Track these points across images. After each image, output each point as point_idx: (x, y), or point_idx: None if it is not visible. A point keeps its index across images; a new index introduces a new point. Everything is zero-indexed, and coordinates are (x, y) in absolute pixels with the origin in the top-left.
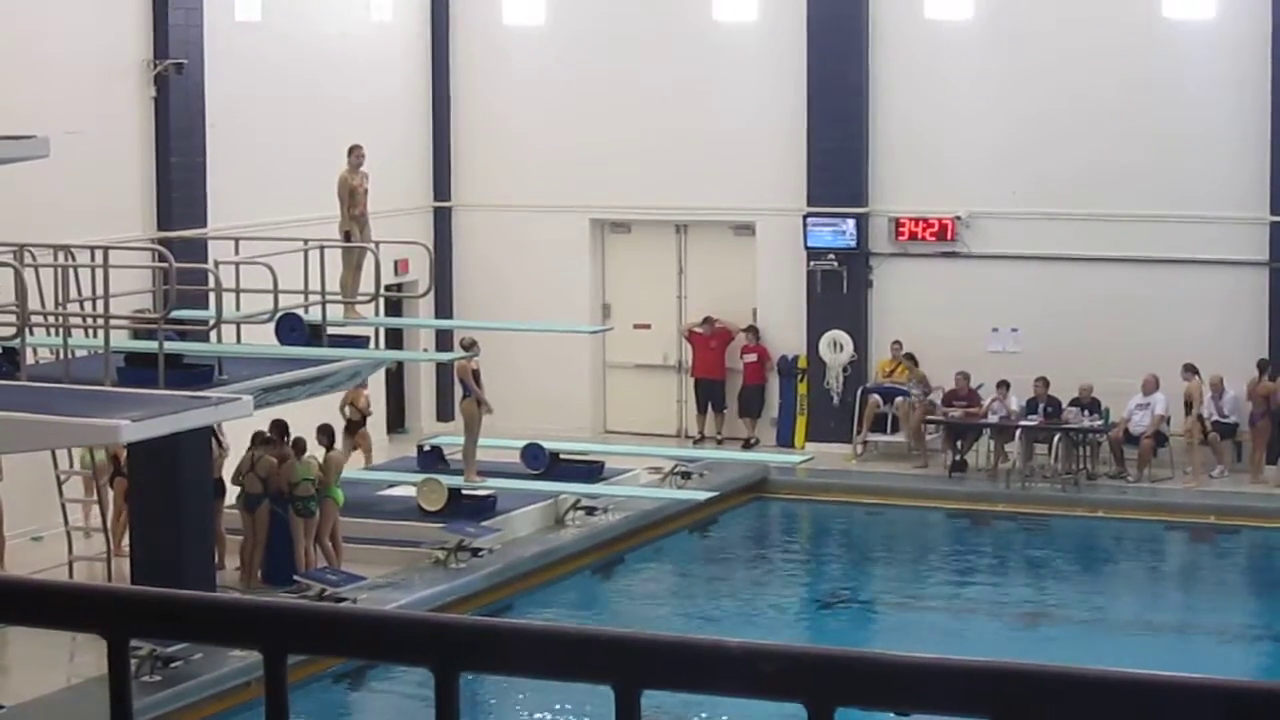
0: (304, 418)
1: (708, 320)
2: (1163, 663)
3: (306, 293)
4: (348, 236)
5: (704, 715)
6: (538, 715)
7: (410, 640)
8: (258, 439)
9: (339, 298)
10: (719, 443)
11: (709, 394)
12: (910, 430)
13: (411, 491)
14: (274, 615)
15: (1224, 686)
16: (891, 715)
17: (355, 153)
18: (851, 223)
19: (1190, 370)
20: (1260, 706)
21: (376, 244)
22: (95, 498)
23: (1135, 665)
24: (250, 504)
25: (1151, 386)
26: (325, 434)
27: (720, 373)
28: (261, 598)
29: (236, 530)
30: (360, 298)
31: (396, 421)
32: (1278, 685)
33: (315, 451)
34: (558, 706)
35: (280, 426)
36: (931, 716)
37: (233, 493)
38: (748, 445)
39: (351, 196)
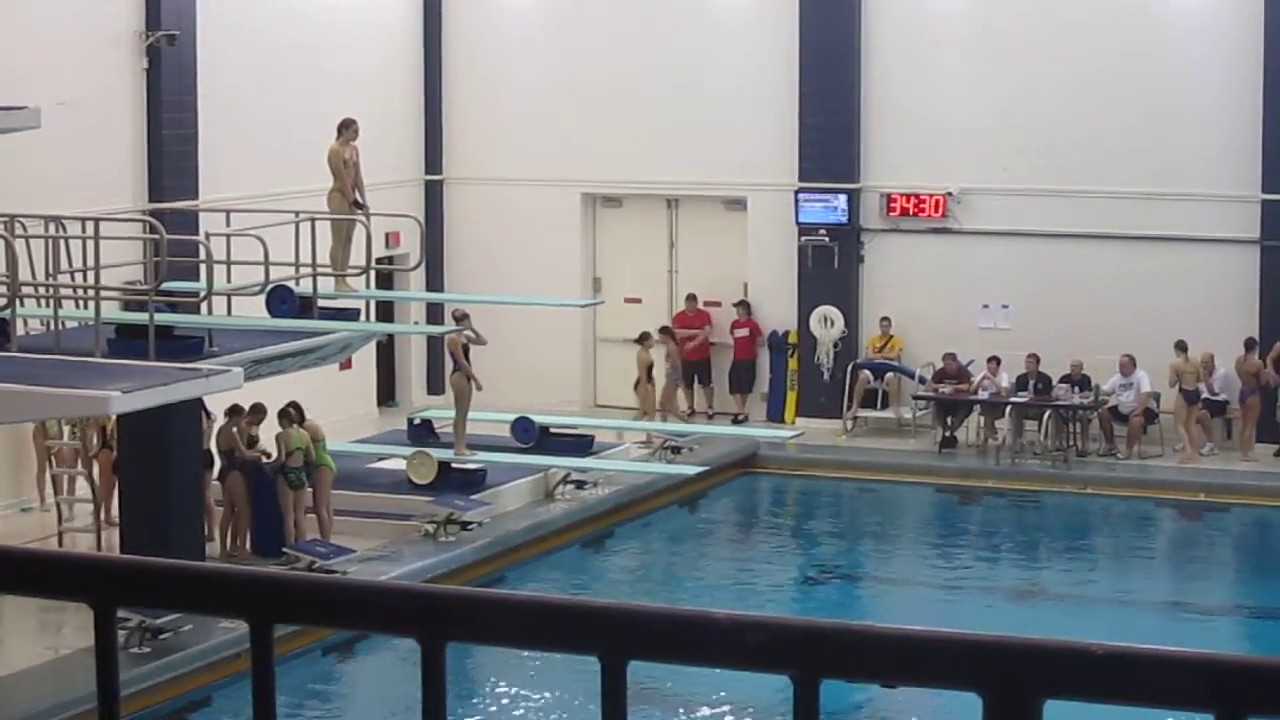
0: (297, 392)
1: (691, 297)
2: (1151, 638)
3: (297, 265)
4: (357, 206)
5: (692, 687)
6: (524, 689)
7: (396, 610)
8: (229, 412)
9: (330, 270)
10: (710, 417)
11: (694, 369)
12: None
13: (401, 465)
14: (260, 585)
15: (1211, 659)
16: (878, 687)
17: (351, 127)
18: (843, 198)
19: (1180, 348)
20: (1246, 680)
21: (368, 215)
22: (83, 469)
23: (1124, 640)
24: (220, 474)
25: (1129, 368)
26: (293, 408)
27: (703, 353)
28: (247, 567)
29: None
30: (350, 270)
31: (387, 394)
32: (1263, 659)
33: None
34: (549, 677)
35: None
36: (918, 689)
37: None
38: (738, 420)
39: (344, 167)
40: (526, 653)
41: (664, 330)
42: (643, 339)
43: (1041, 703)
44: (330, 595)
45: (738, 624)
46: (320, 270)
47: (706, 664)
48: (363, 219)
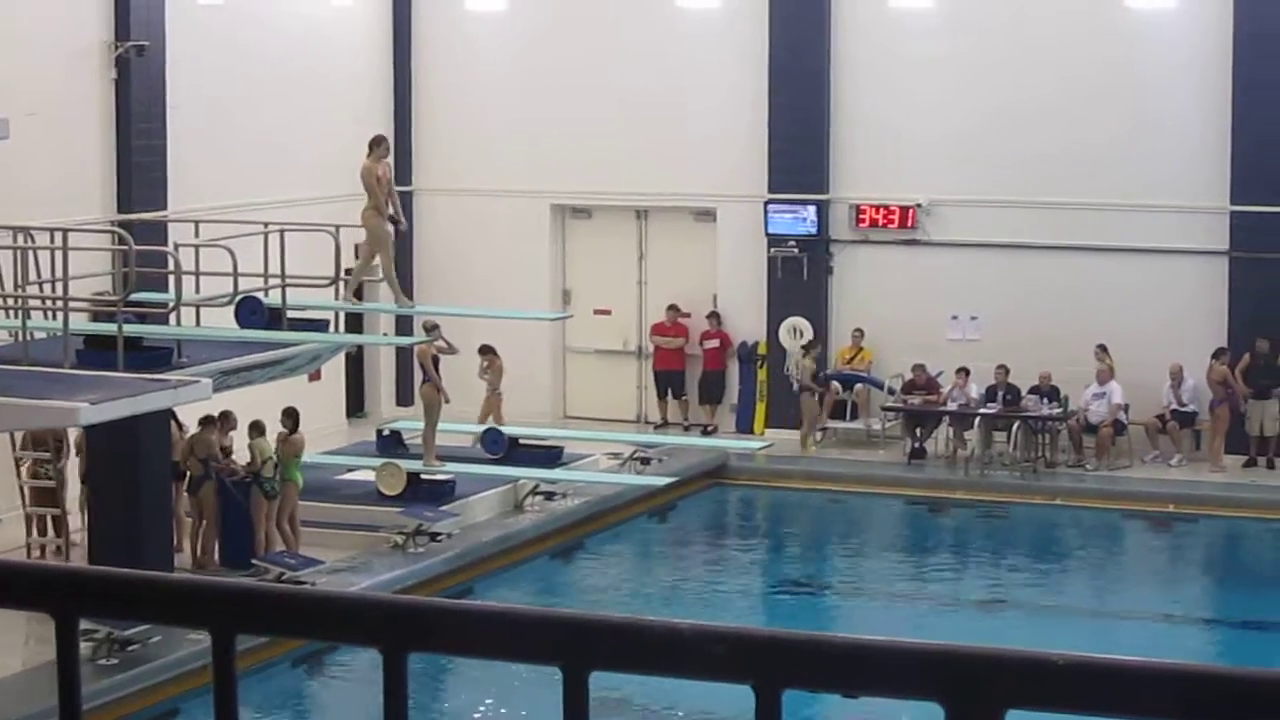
0: (271, 401)
1: (673, 308)
2: (1119, 649)
3: (266, 276)
4: (393, 222)
5: (655, 698)
6: (488, 700)
7: (358, 620)
8: (204, 421)
9: (300, 282)
10: (685, 429)
11: (669, 381)
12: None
13: (370, 476)
14: (221, 595)
15: (1174, 669)
16: (840, 698)
17: (383, 144)
18: (812, 209)
19: (1103, 350)
20: (1208, 690)
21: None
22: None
23: (1092, 651)
24: (192, 485)
25: (1106, 376)
26: (289, 416)
27: (680, 364)
28: (209, 577)
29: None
30: (366, 279)
31: (356, 406)
32: (1226, 668)
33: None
34: (513, 688)
35: (292, 413)
36: (881, 699)
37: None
38: (707, 431)
39: (376, 184)
40: (490, 663)
41: (484, 350)
42: (483, 350)
43: (1004, 713)
44: (291, 605)
45: (700, 634)
46: (289, 281)
47: (668, 674)
48: (392, 232)
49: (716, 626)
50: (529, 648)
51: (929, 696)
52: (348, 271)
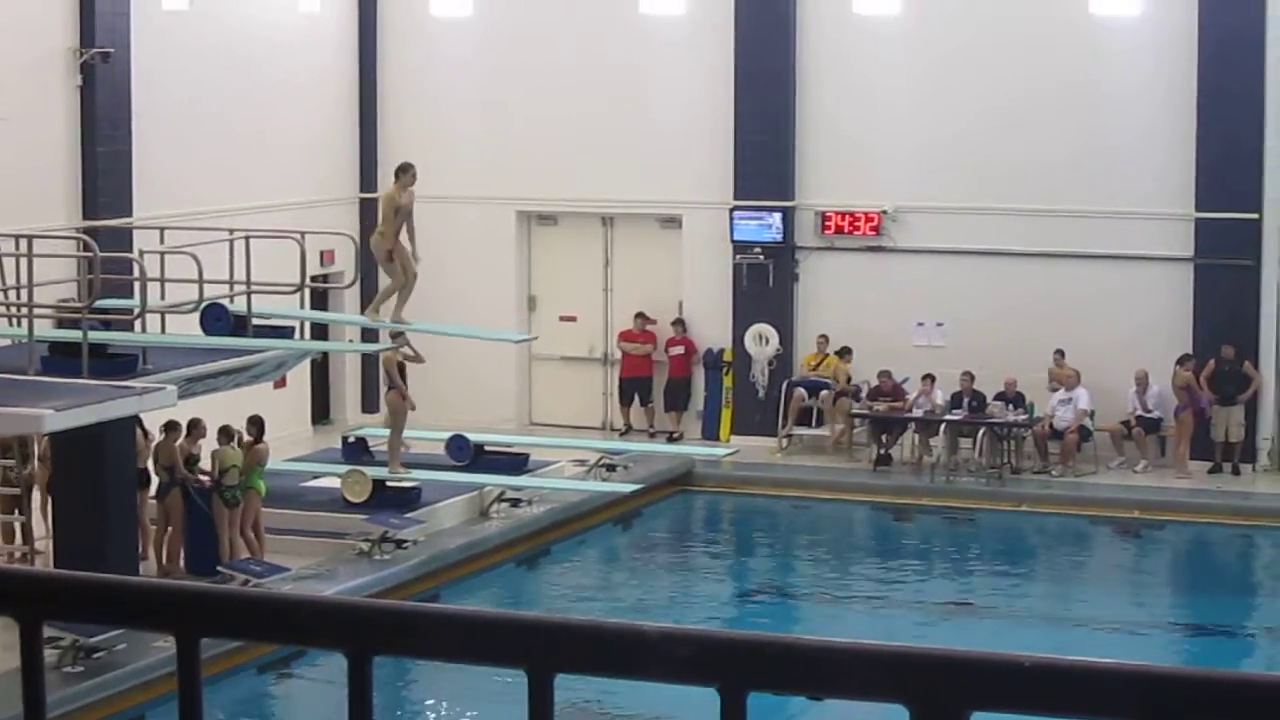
0: (236, 408)
1: (641, 315)
2: (1084, 654)
3: (232, 283)
4: (390, 256)
5: (620, 701)
6: (455, 704)
7: (322, 624)
8: (168, 428)
9: (264, 287)
10: (651, 436)
11: (636, 388)
12: (838, 422)
13: (336, 483)
14: (185, 599)
15: (1139, 671)
16: (806, 700)
17: (409, 172)
18: (778, 216)
19: (1060, 354)
20: (1173, 690)
21: (302, 235)
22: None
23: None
24: (159, 492)
25: (1073, 381)
26: (255, 425)
27: (649, 370)
28: (171, 581)
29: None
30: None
31: (321, 413)
32: (1189, 669)
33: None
34: (478, 691)
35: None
36: (846, 701)
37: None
38: (673, 438)
39: (396, 213)
40: (456, 666)
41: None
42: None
43: (968, 715)
44: (256, 609)
45: (664, 637)
46: (254, 288)
47: (633, 677)
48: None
49: (682, 629)
50: (493, 650)
51: (894, 698)
52: (314, 278)
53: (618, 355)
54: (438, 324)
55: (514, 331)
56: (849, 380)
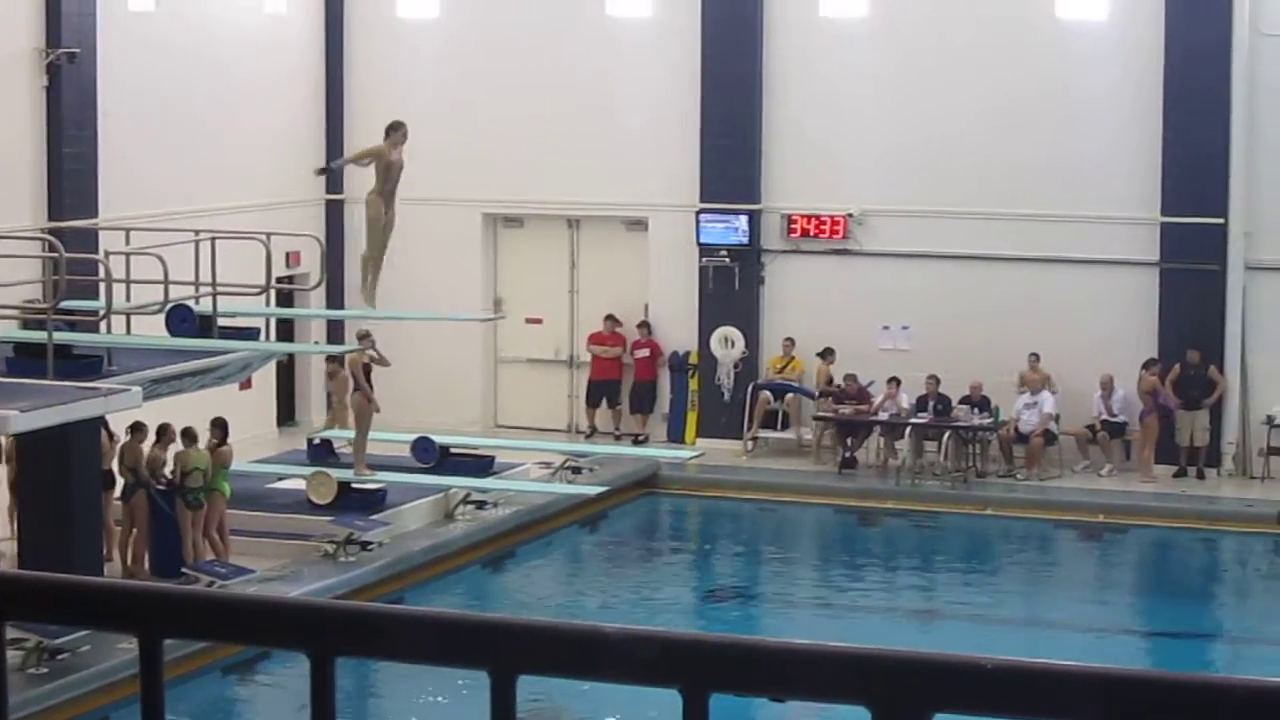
0: (200, 410)
1: (610, 318)
2: (1048, 658)
3: (197, 284)
4: (379, 216)
5: (582, 703)
6: (418, 705)
7: (285, 625)
8: (133, 429)
9: (230, 288)
10: (617, 438)
11: (604, 391)
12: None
13: (301, 485)
14: (148, 600)
15: (1101, 673)
16: (769, 702)
17: (400, 129)
18: (744, 219)
19: (1035, 357)
20: (1136, 693)
21: (268, 236)
22: None
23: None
24: (124, 493)
25: (1038, 385)
26: (219, 427)
27: (618, 373)
28: (134, 581)
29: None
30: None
31: (286, 414)
32: (1152, 672)
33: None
34: (443, 694)
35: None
36: (808, 703)
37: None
38: (638, 441)
39: (387, 171)
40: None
41: (332, 359)
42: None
43: (930, 716)
44: (219, 610)
45: (627, 638)
46: (220, 289)
47: (596, 678)
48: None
49: (644, 630)
50: (455, 652)
51: (856, 700)
52: (279, 279)
53: (584, 357)
54: (402, 312)
55: (480, 320)
56: (830, 381)
